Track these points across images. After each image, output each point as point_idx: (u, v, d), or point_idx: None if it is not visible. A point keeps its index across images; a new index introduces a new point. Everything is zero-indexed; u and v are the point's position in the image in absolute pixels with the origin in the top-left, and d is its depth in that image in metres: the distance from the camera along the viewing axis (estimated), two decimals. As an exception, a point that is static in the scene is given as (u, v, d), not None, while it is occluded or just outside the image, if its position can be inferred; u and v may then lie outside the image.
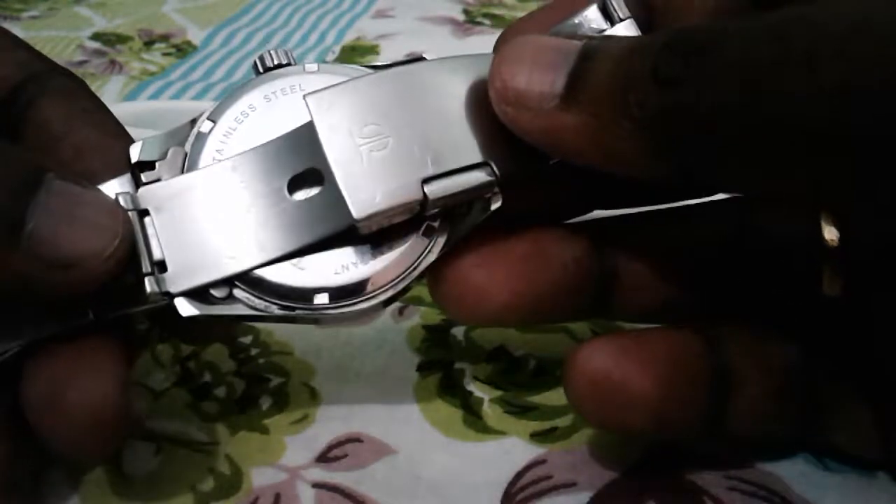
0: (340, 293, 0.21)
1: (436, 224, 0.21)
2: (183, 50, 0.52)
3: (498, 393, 0.26)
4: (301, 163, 0.21)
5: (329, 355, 0.27)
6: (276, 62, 0.22)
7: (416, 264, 0.21)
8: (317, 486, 0.22)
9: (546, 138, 0.19)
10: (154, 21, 0.56)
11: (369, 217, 0.20)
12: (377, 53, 0.52)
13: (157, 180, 0.21)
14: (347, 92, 0.20)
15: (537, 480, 0.22)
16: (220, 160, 0.21)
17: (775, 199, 0.22)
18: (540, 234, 0.22)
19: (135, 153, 0.21)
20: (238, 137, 0.22)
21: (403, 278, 0.21)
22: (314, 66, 0.23)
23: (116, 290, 0.20)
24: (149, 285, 0.20)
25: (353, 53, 0.52)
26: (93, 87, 0.25)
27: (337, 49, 0.53)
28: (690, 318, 0.23)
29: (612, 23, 0.22)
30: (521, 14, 0.59)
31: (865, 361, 0.22)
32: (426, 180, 0.20)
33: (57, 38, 0.53)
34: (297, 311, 0.21)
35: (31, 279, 0.18)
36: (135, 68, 0.49)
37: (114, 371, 0.19)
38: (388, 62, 0.23)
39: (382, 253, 0.21)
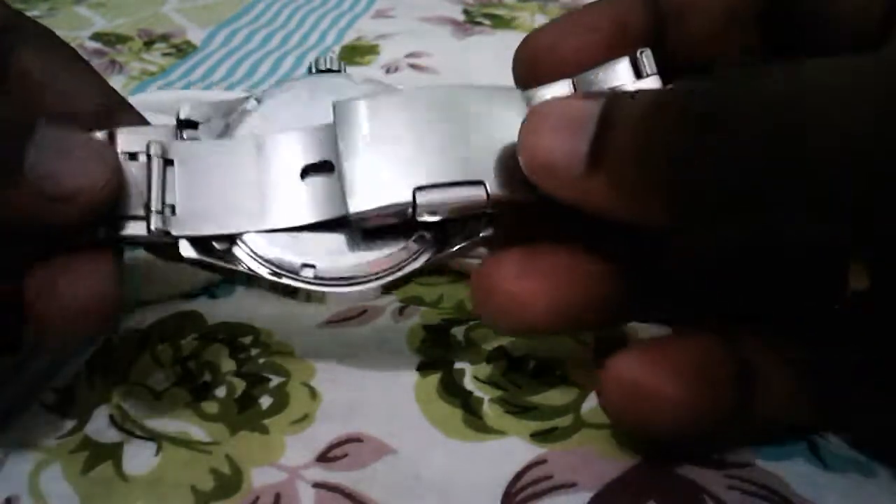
0: (324, 274, 0.22)
1: (427, 235, 0.23)
2: (183, 50, 0.52)
3: (498, 393, 0.26)
4: (318, 154, 0.23)
5: (329, 355, 0.27)
6: (327, 67, 0.25)
7: (400, 266, 0.23)
8: (317, 485, 0.22)
9: (577, 203, 0.21)
10: (154, 21, 0.56)
11: (362, 213, 0.22)
12: (377, 53, 0.52)
13: (197, 139, 0.23)
14: (371, 105, 0.23)
15: (537, 480, 0.22)
16: (251, 135, 0.23)
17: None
18: (575, 247, 0.23)
19: (184, 111, 0.24)
20: (275, 122, 0.24)
21: (385, 276, 0.23)
22: (359, 79, 0.25)
23: (123, 218, 0.22)
24: (154, 222, 0.22)
25: (353, 53, 0.52)
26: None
27: (337, 49, 0.53)
28: (710, 315, 0.25)
29: (640, 76, 0.23)
30: (521, 14, 0.59)
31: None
32: (419, 188, 0.22)
33: (57, 39, 0.53)
34: (284, 280, 0.23)
35: (34, 214, 0.20)
36: (135, 68, 0.49)
37: (105, 268, 0.22)
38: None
39: (372, 249, 0.23)
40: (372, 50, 0.52)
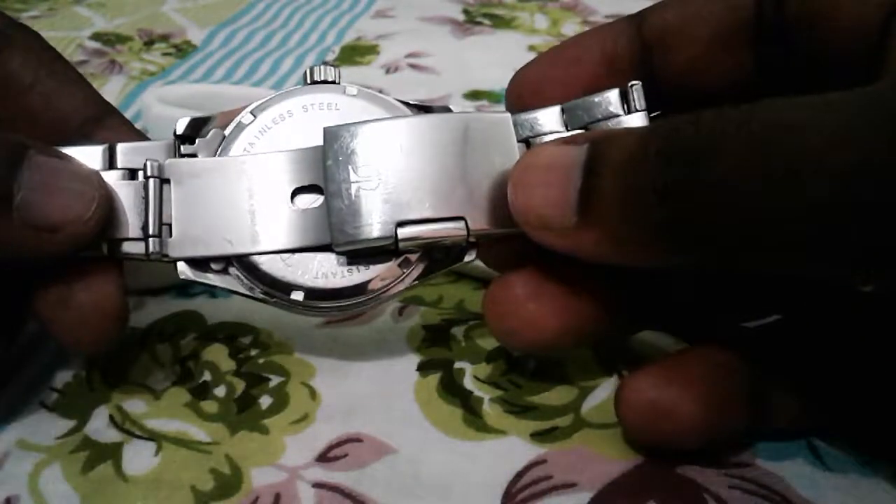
0: (314, 295, 0.23)
1: (413, 258, 0.23)
2: (183, 50, 0.52)
3: (498, 393, 0.26)
4: (307, 178, 0.23)
5: (329, 355, 0.27)
6: (322, 77, 0.25)
7: (386, 288, 0.23)
8: (317, 485, 0.22)
9: (573, 252, 0.21)
10: (154, 21, 0.56)
11: (345, 245, 0.23)
12: (377, 53, 0.52)
13: (194, 155, 0.24)
14: (359, 133, 0.23)
15: (537, 480, 0.22)
16: (245, 154, 0.24)
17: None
18: (581, 265, 0.23)
19: (181, 126, 0.24)
20: (270, 136, 0.24)
21: (373, 298, 0.23)
22: (354, 90, 0.25)
23: (122, 240, 0.23)
24: (151, 245, 0.23)
25: (353, 53, 0.52)
26: (92, 87, 0.25)
27: (337, 49, 0.53)
28: (714, 319, 0.25)
29: (629, 110, 0.23)
30: (521, 14, 0.59)
31: None
32: (401, 223, 0.22)
33: (57, 38, 0.53)
34: (275, 300, 0.23)
35: (23, 244, 0.21)
36: (135, 68, 0.49)
37: (113, 278, 0.23)
38: (419, 103, 0.25)
39: (360, 271, 0.23)
40: (372, 50, 0.52)
